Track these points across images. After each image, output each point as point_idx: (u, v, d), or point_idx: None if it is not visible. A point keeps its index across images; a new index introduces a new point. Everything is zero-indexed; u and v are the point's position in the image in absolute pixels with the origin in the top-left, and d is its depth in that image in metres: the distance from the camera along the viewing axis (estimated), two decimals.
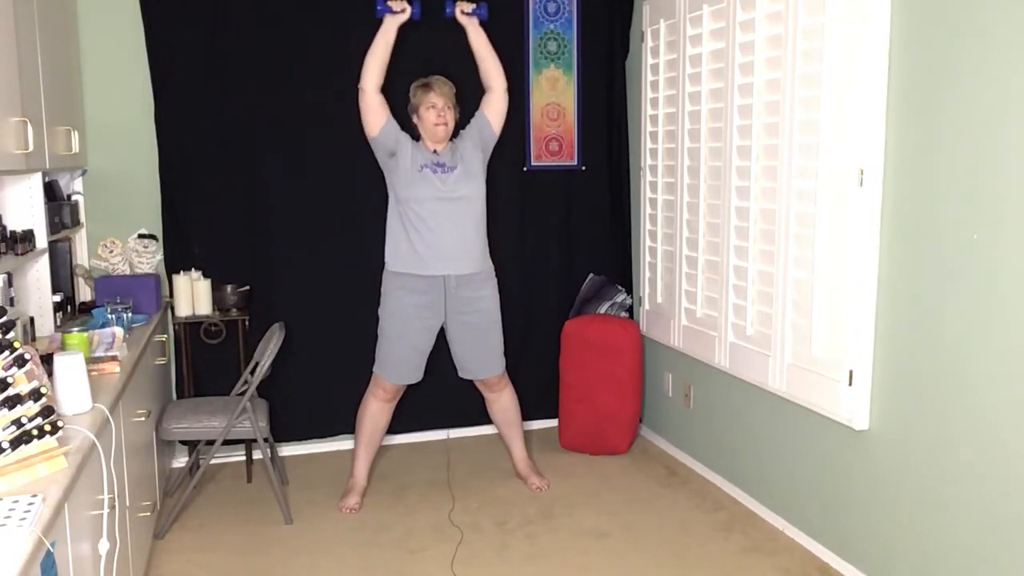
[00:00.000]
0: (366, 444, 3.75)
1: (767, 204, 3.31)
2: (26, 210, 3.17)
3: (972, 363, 2.50)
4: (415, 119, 3.59)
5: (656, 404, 4.45)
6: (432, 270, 3.54)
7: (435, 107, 3.51)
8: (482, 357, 3.72)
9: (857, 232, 2.83)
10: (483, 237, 3.65)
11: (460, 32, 3.76)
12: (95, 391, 2.38)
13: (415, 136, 3.63)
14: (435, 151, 3.58)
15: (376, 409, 3.72)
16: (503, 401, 3.86)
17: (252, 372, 3.63)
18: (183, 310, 3.87)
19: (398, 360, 3.63)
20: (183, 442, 4.06)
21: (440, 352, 3.81)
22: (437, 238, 3.52)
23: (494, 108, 3.62)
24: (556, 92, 4.48)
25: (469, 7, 3.54)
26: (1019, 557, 2.38)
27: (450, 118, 3.55)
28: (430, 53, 3.93)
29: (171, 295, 3.94)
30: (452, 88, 3.58)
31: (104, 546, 2.12)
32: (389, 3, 3.44)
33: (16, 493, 1.71)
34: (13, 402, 1.84)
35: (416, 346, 3.64)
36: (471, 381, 3.86)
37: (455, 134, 3.66)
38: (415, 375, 3.70)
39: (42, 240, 3.20)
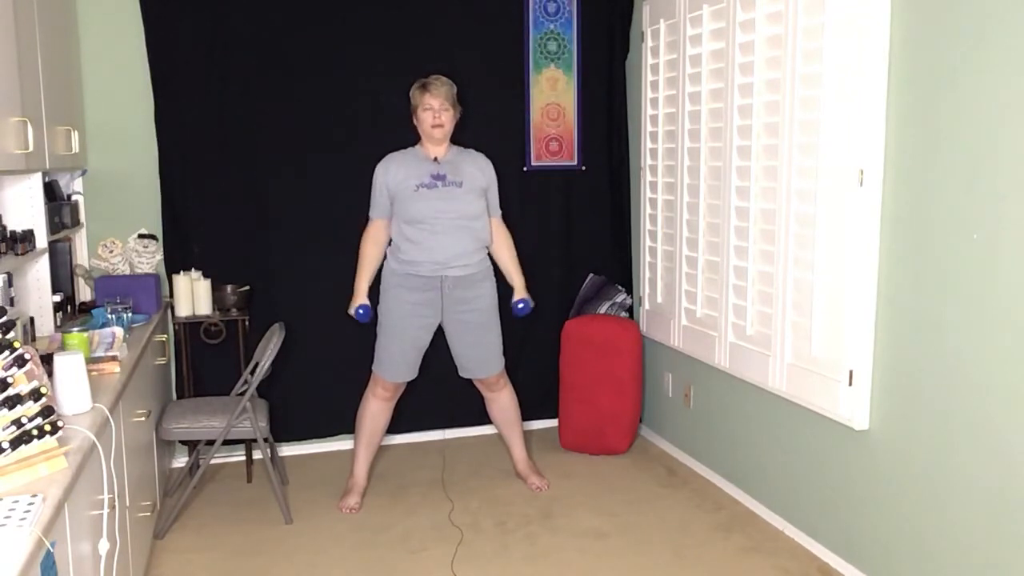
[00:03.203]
0: (366, 444, 3.75)
1: (767, 204, 3.31)
2: (26, 210, 3.17)
3: (972, 363, 2.50)
4: (414, 119, 3.59)
5: (656, 404, 4.45)
6: (430, 273, 3.55)
7: (431, 108, 3.50)
8: (480, 355, 3.72)
9: (857, 232, 2.83)
10: (482, 245, 3.65)
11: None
12: (95, 391, 2.38)
13: (415, 139, 3.62)
14: (435, 159, 3.57)
15: (376, 408, 3.72)
16: (502, 401, 3.86)
17: (252, 372, 3.63)
18: (183, 310, 3.87)
19: (396, 358, 3.63)
20: (183, 442, 4.06)
21: (439, 352, 3.81)
22: (434, 254, 3.52)
23: (495, 221, 3.74)
24: (556, 92, 4.48)
25: (522, 307, 3.79)
26: (1019, 557, 2.38)
27: (447, 119, 3.53)
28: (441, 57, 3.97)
29: (171, 295, 3.94)
30: (451, 88, 3.56)
31: (104, 546, 2.12)
32: (358, 312, 3.64)
33: (16, 493, 1.71)
34: (13, 402, 1.84)
35: (414, 343, 3.64)
36: (470, 381, 3.86)
37: (464, 144, 3.68)
38: (411, 372, 3.70)
39: (42, 240, 3.20)
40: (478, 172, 3.61)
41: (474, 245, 3.59)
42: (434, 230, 3.50)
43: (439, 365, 3.98)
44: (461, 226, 3.54)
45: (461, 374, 3.80)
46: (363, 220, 4.15)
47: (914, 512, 2.76)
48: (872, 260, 2.83)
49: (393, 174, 3.54)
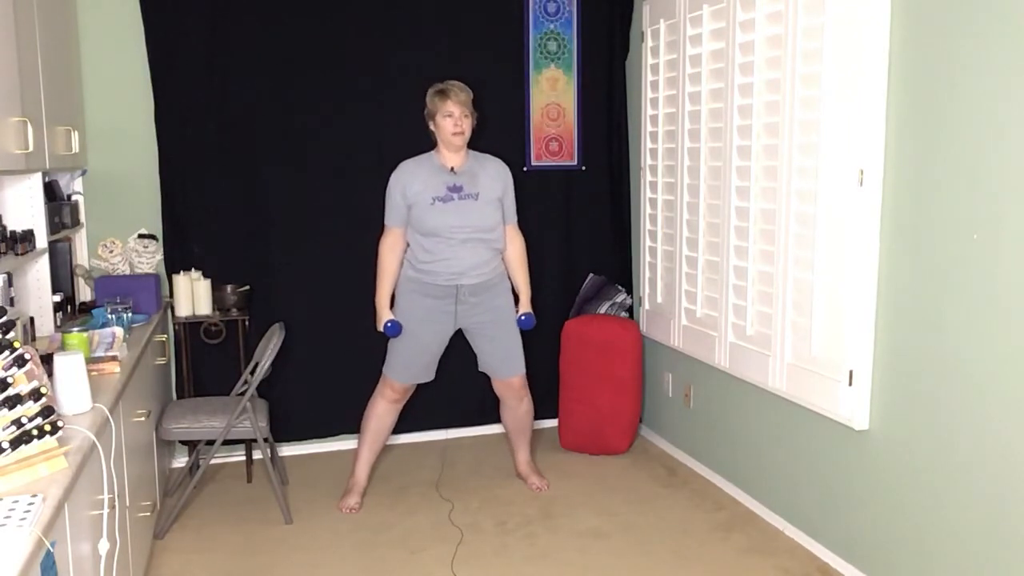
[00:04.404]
0: (370, 444, 3.74)
1: (767, 204, 3.31)
2: (26, 210, 3.17)
3: (972, 363, 2.50)
4: (431, 125, 3.54)
5: (656, 404, 4.45)
6: (445, 281, 3.54)
7: (452, 116, 3.46)
8: (502, 354, 3.68)
9: (857, 232, 2.83)
10: (498, 253, 3.63)
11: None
12: (95, 391, 2.38)
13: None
14: (452, 169, 3.53)
15: (383, 410, 3.71)
16: (521, 410, 3.83)
17: (252, 372, 3.63)
18: (183, 310, 3.87)
19: (407, 361, 3.62)
20: (183, 442, 4.06)
21: (445, 353, 3.79)
22: (450, 265, 3.51)
23: (511, 228, 3.70)
24: (556, 92, 4.48)
25: (524, 320, 3.72)
26: (1019, 556, 2.38)
27: (467, 126, 3.50)
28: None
29: (171, 295, 3.94)
30: (469, 94, 3.52)
31: (104, 546, 2.12)
32: (387, 327, 3.59)
33: (16, 493, 1.71)
34: (13, 402, 1.84)
35: (427, 347, 3.62)
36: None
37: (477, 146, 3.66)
38: (424, 375, 3.69)
39: (42, 240, 3.20)
40: (494, 181, 3.58)
41: (489, 255, 3.58)
42: (450, 243, 3.49)
43: (440, 365, 3.97)
44: (477, 239, 3.52)
45: (485, 372, 3.76)
46: (363, 220, 4.17)
47: (914, 512, 2.76)
48: (872, 260, 2.83)
49: (409, 184, 3.50)
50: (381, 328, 3.60)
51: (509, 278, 3.72)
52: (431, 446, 4.44)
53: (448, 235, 3.47)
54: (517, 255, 3.71)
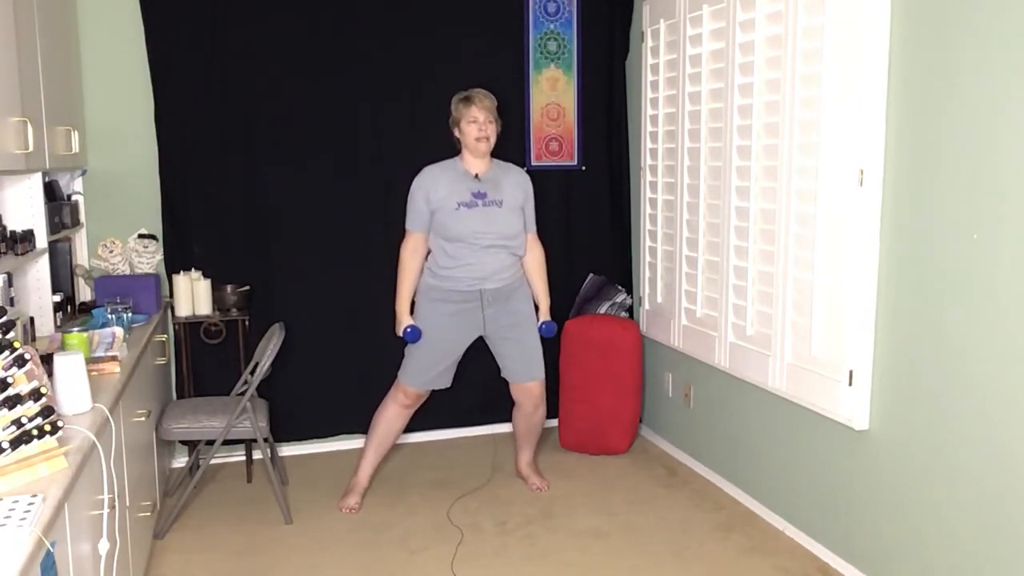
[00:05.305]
0: (376, 447, 3.74)
1: (767, 204, 3.31)
2: (26, 210, 3.17)
3: (972, 363, 2.50)
4: (456, 132, 3.54)
5: (656, 404, 4.45)
6: (467, 287, 3.53)
7: (476, 122, 3.47)
8: (526, 358, 3.67)
9: (857, 232, 2.83)
10: (518, 258, 3.64)
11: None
12: (95, 391, 2.38)
13: (455, 150, 3.60)
14: (476, 176, 3.53)
15: (393, 414, 3.70)
16: (535, 417, 3.82)
17: (252, 372, 3.63)
18: (183, 310, 3.87)
19: (423, 367, 3.61)
20: (183, 442, 4.06)
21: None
22: (473, 270, 3.51)
23: (531, 237, 3.70)
24: (556, 92, 4.48)
25: (545, 328, 3.70)
26: (1019, 557, 2.38)
27: (491, 132, 3.51)
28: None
29: (171, 295, 3.94)
30: (494, 101, 3.53)
31: (104, 546, 2.12)
32: (407, 332, 3.57)
33: (16, 493, 1.71)
34: (13, 402, 1.84)
35: (448, 354, 3.61)
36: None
37: (502, 155, 3.64)
38: (439, 382, 3.68)
39: (42, 240, 3.20)
40: (517, 189, 3.59)
41: (511, 260, 3.59)
42: (473, 249, 3.49)
43: None
44: (500, 246, 3.52)
45: (505, 377, 3.74)
46: (363, 219, 4.17)
47: (914, 512, 2.76)
48: (872, 260, 2.83)
49: (433, 190, 3.49)
50: (400, 333, 3.59)
51: (528, 285, 3.72)
52: (431, 446, 4.43)
53: (472, 241, 3.47)
54: (537, 264, 3.71)
